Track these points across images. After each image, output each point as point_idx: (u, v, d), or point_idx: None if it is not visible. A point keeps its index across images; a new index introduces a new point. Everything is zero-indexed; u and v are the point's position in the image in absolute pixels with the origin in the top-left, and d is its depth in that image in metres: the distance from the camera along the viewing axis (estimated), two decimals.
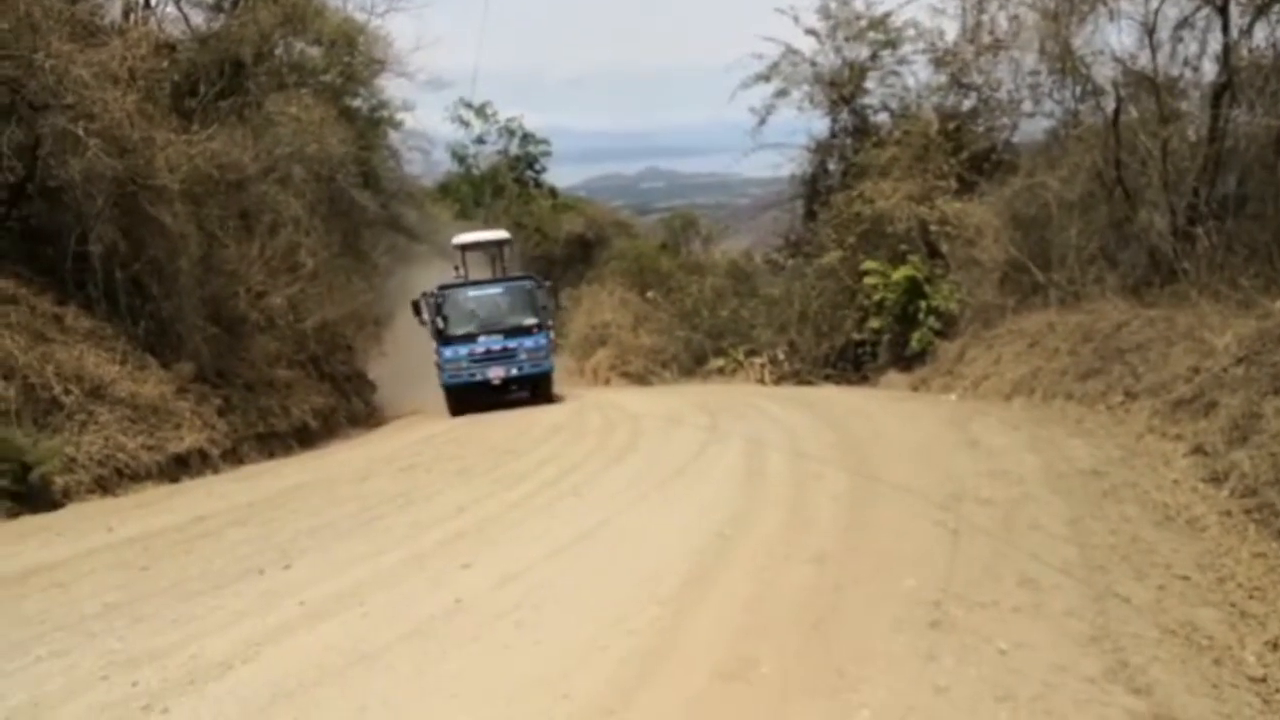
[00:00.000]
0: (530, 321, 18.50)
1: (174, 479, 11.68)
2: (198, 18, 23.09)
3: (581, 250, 38.86)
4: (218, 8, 23.31)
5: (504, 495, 8.37)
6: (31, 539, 8.35)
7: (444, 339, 18.33)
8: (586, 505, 7.59)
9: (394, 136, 30.49)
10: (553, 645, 4.54)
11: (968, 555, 5.94)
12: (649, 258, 32.19)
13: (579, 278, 33.94)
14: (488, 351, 18.28)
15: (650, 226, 44.42)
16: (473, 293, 19.08)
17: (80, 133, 13.33)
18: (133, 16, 20.81)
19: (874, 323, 18.04)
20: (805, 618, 4.90)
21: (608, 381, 25.83)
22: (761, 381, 20.88)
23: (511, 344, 18.37)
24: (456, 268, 21.29)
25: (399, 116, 30.43)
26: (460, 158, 43.68)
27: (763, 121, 21.95)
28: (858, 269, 18.44)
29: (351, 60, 26.09)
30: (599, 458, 10.10)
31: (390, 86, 29.16)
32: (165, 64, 18.09)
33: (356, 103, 28.02)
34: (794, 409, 12.88)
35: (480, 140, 44.56)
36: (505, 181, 42.79)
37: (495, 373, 18.22)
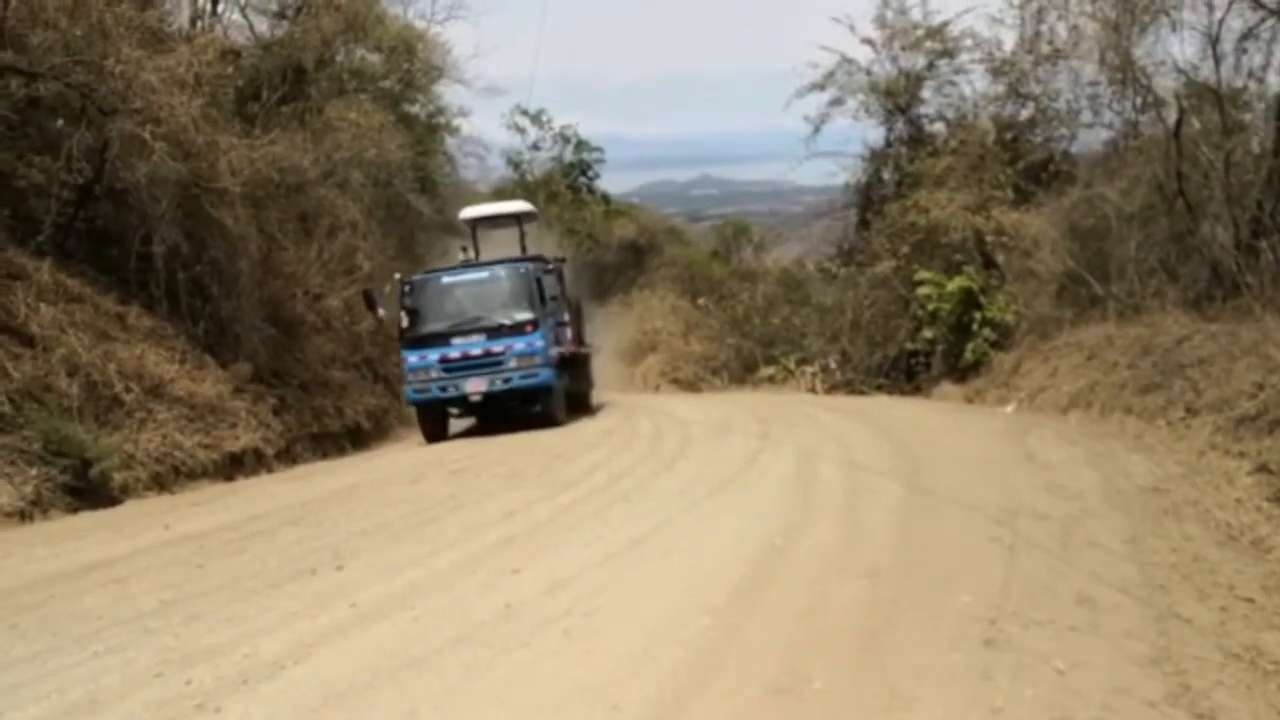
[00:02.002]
0: (524, 316, 14.65)
1: (229, 477, 11.88)
2: (262, 25, 23.55)
3: (633, 256, 38.86)
4: (281, 15, 23.75)
5: (554, 500, 8.38)
6: (91, 535, 8.53)
7: (408, 340, 14.86)
8: (637, 512, 7.57)
9: (450, 142, 30.83)
10: (602, 654, 4.51)
11: (1024, 572, 5.82)
12: (701, 265, 32.17)
13: (630, 284, 33.97)
14: (464, 357, 14.57)
15: (702, 233, 44.34)
16: (448, 279, 15.29)
17: (147, 136, 13.64)
18: (199, 23, 21.28)
19: (928, 333, 17.84)
20: (859, 632, 4.83)
21: (657, 388, 25.82)
22: (813, 390, 20.75)
23: (496, 346, 14.54)
24: (464, 249, 17.45)
25: (456, 123, 30.76)
26: (515, 164, 43.95)
27: (817, 130, 21.89)
28: (911, 279, 18.26)
29: (410, 67, 26.42)
30: (649, 464, 10.08)
31: (448, 93, 29.50)
32: (230, 70, 18.47)
33: (414, 109, 28.35)
34: (846, 419, 12.78)
35: (535, 147, 44.80)
36: (559, 188, 42.97)
37: (474, 386, 14.52)
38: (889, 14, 21.13)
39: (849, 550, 6.28)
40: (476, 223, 18.25)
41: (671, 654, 4.50)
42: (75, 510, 10.27)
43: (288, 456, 13.73)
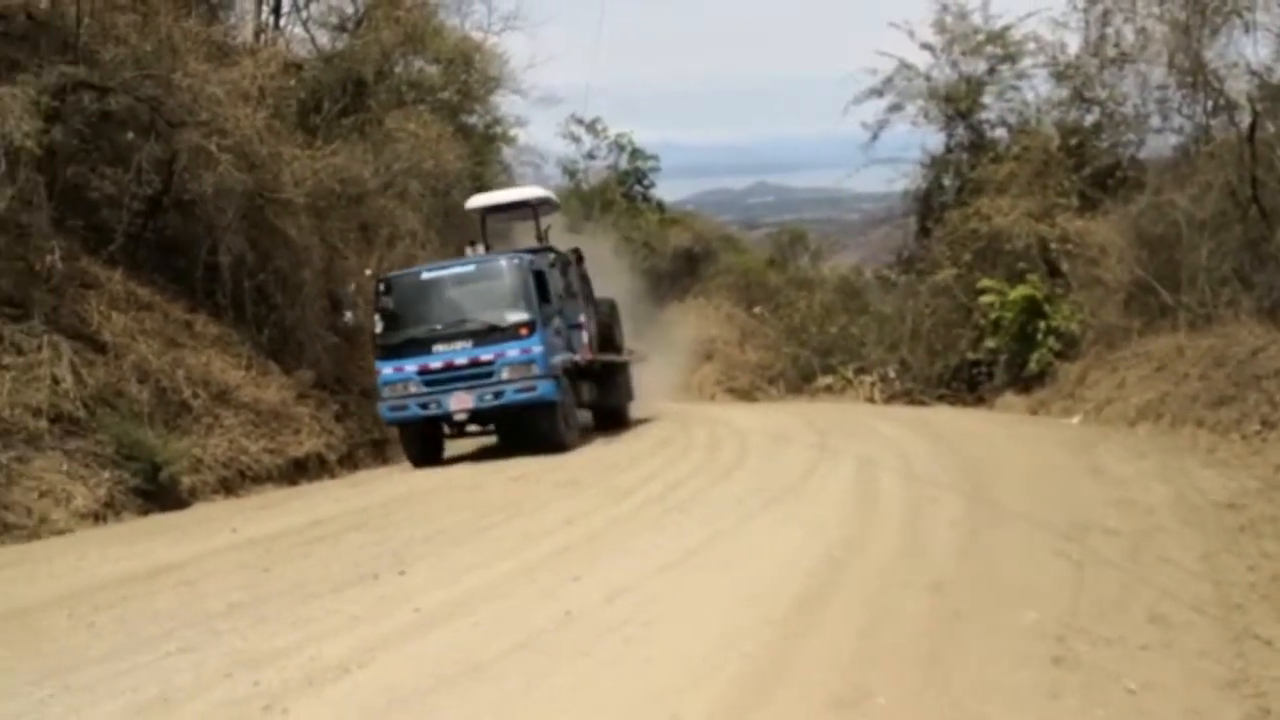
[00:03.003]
0: (518, 317, 12.53)
1: (293, 482, 12.08)
2: (323, 38, 24.00)
3: (688, 264, 38.84)
4: (342, 28, 24.19)
5: (611, 509, 8.39)
6: (161, 537, 8.72)
7: (381, 349, 12.89)
8: (694, 521, 7.55)
9: (507, 152, 31.10)
10: (662, 663, 4.50)
11: (1093, 588, 5.69)
12: (756, 272, 32.04)
13: (686, 292, 33.95)
14: (447, 367, 12.53)
15: (758, 241, 44.20)
16: (429, 275, 13.25)
17: (213, 148, 13.97)
18: (263, 37, 21.75)
19: (990, 342, 17.58)
20: (922, 647, 4.75)
21: (713, 396, 25.75)
22: (871, 400, 20.54)
23: (485, 354, 12.45)
24: (472, 244, 14.97)
25: (512, 133, 31.04)
26: (570, 173, 44.21)
27: (875, 136, 21.61)
28: (973, 287, 18.00)
29: (468, 78, 26.72)
30: (706, 474, 10.06)
31: (504, 103, 29.77)
32: (293, 82, 18.86)
33: (472, 119, 28.64)
34: (907, 429, 12.63)
35: (590, 155, 45.01)
36: (614, 196, 43.15)
37: (459, 402, 12.44)
38: (948, 19, 20.80)
39: (911, 563, 6.20)
40: (486, 213, 16.16)
41: (732, 664, 4.47)
42: (146, 513, 10.53)
43: (350, 462, 13.95)
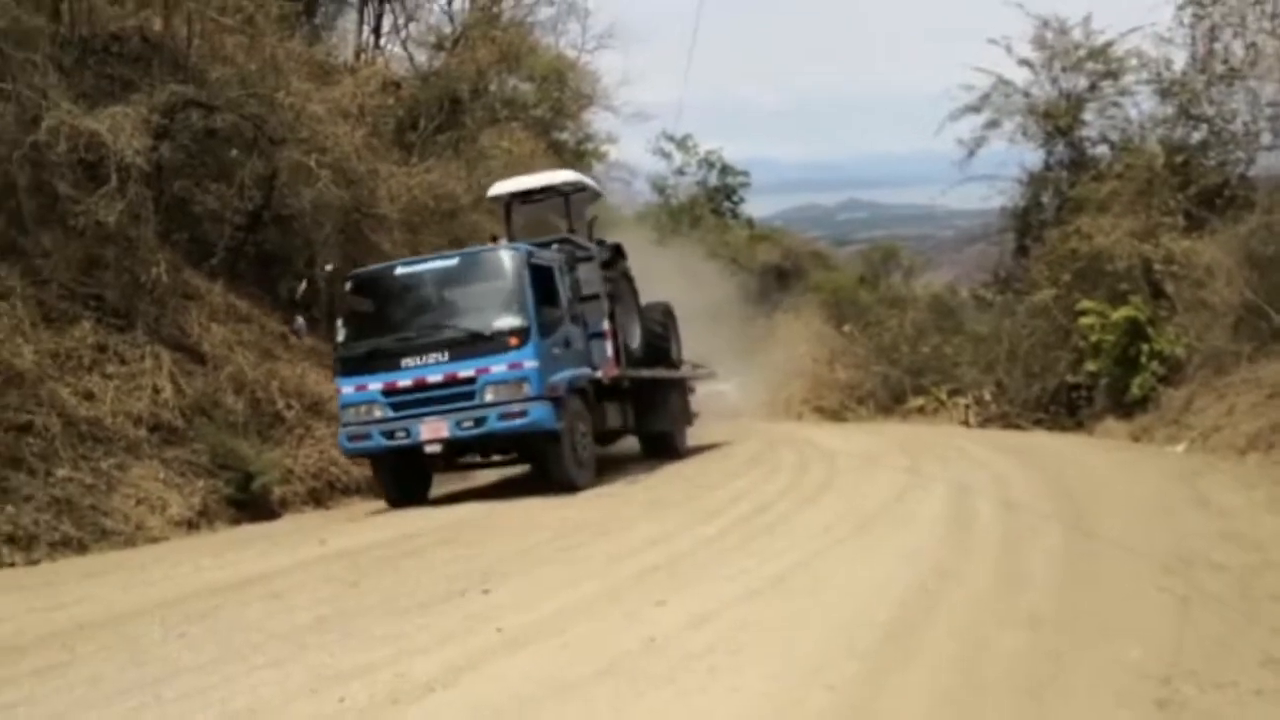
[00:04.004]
0: (506, 324, 10.53)
1: (380, 495, 12.23)
2: (421, 56, 24.61)
3: (777, 280, 38.59)
4: (439, 47, 24.75)
5: (697, 530, 8.30)
6: (251, 547, 8.92)
7: (343, 363, 11.11)
8: (781, 546, 7.42)
9: (598, 168, 31.37)
10: (748, 693, 4.40)
11: (1200, 626, 5.41)
12: (847, 290, 31.65)
13: (774, 308, 33.69)
14: (418, 385, 10.57)
15: (848, 258, 43.76)
16: (403, 271, 11.45)
17: (313, 165, 14.36)
18: (362, 56, 22.34)
19: (1090, 365, 16.99)
20: (1018, 684, 4.56)
21: (800, 416, 25.44)
22: (965, 423, 20.05)
23: (465, 370, 10.47)
24: (494, 239, 12.52)
25: (603, 149, 31.33)
26: (660, 189, 44.40)
27: (972, 153, 21.32)
28: (1073, 308, 17.45)
29: (561, 95, 27.05)
30: (793, 496, 9.91)
31: (596, 120, 30.10)
32: (391, 101, 19.33)
33: (564, 136, 28.98)
34: (1002, 454, 12.29)
35: (680, 171, 45.23)
36: (703, 212, 43.18)
37: (431, 430, 10.50)
38: (1048, 34, 20.44)
39: (1007, 596, 5.98)
40: (511, 201, 14.13)
41: (821, 697, 4.35)
42: (237, 522, 10.81)
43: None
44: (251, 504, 11.26)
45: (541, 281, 11.06)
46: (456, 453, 11.23)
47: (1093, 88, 20.44)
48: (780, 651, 5.01)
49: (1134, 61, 19.39)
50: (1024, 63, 20.64)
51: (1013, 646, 5.09)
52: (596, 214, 15.19)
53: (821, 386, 25.96)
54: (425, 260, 11.78)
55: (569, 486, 10.75)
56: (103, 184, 12.04)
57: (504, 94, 24.99)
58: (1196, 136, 18.13)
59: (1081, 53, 20.33)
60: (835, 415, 24.55)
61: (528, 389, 10.46)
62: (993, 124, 21.13)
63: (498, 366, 10.48)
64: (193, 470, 11.12)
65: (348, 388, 10.96)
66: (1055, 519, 8.10)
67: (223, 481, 11.14)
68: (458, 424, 10.47)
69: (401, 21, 24.57)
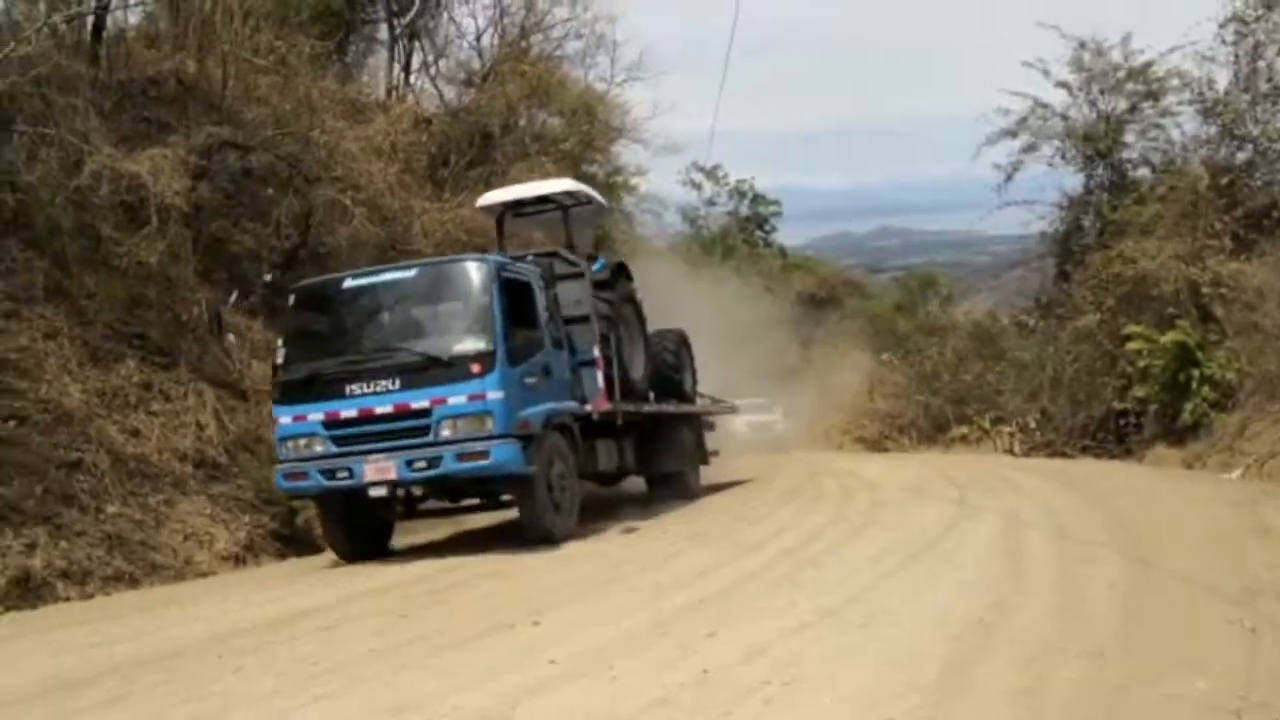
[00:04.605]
0: (468, 348, 9.15)
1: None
2: (451, 93, 24.93)
3: (812, 310, 38.52)
4: (469, 83, 25.07)
5: (743, 562, 8.21)
6: (298, 581, 8.94)
7: (281, 389, 9.66)
8: (830, 579, 7.32)
9: (627, 200, 31.51)
10: None
11: (1270, 659, 5.25)
12: (884, 318, 31.50)
13: (810, 337, 33.59)
14: (364, 417, 9.17)
15: (884, 286, 43.60)
16: (353, 284, 9.97)
17: (348, 202, 14.57)
18: (394, 94, 22.68)
19: (1138, 391, 16.74)
20: (1083, 718, 4.45)
21: (840, 446, 25.27)
22: (1010, 452, 19.81)
23: (418, 401, 9.06)
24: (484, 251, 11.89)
25: (633, 181, 31.46)
26: (691, 219, 44.55)
27: (1009, 178, 21.21)
28: (1118, 333, 17.23)
29: (590, 129, 27.23)
30: (838, 528, 9.78)
31: (625, 152, 30.24)
32: (423, 138, 19.57)
33: (593, 169, 29.16)
34: (1052, 483, 12.10)
35: (711, 202, 45.44)
36: (734, 242, 43.25)
37: (375, 471, 9.06)
38: (1086, 56, 20.40)
39: (1066, 628, 5.84)
40: (504, 213, 12.81)
41: None
42: (283, 556, 10.86)
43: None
44: (296, 538, 11.33)
45: (515, 299, 9.60)
46: (414, 498, 10.06)
47: (1133, 109, 20.33)
48: (836, 684, 4.92)
49: (1175, 81, 19.30)
50: (1061, 85, 20.61)
51: (1075, 679, 4.96)
52: (603, 230, 14.39)
53: (861, 416, 25.83)
54: (379, 271, 10.29)
55: (544, 538, 9.42)
56: (143, 225, 12.28)
57: (533, 129, 25.20)
58: (1241, 157, 17.93)
59: (1121, 74, 20.24)
60: (876, 445, 24.38)
61: (491, 425, 8.96)
62: (1030, 148, 21.08)
63: (456, 398, 8.99)
64: (238, 505, 11.22)
65: (285, 418, 9.51)
66: (1111, 549, 7.93)
67: (267, 516, 11.23)
68: (408, 464, 8.98)
69: (431, 58, 24.98)
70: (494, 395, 8.99)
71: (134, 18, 16.50)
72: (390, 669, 5.41)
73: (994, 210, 21.61)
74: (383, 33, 24.01)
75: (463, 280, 9.62)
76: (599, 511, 11.45)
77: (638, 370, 11.90)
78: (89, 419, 10.93)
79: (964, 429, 21.99)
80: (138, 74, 15.10)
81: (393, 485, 9.19)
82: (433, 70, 25.09)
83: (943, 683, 4.92)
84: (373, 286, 9.89)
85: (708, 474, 14.39)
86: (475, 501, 10.52)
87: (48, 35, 11.57)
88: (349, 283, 9.99)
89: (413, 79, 24.42)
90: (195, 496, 11.04)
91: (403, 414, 9.07)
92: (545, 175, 20.12)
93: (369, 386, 9.18)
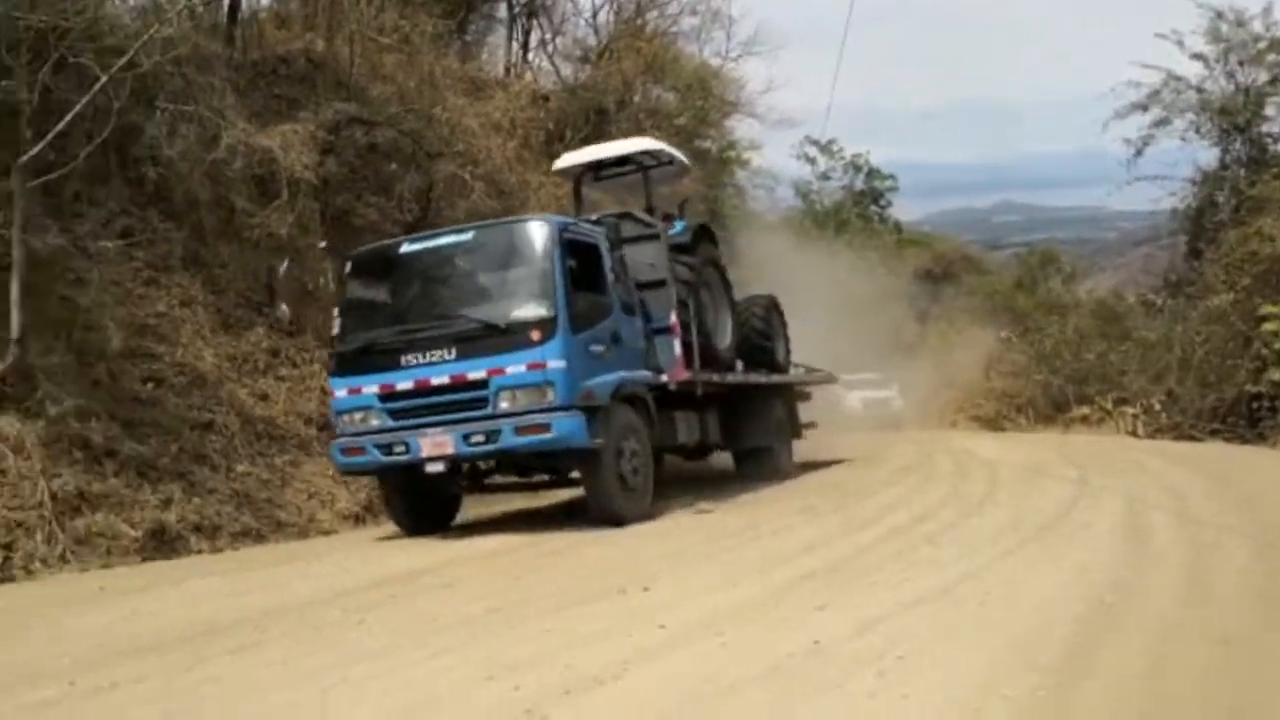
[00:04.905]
0: (528, 314, 8.70)
1: (534, 489, 12.35)
2: (567, 70, 25.14)
3: (928, 286, 37.71)
4: (585, 60, 25.24)
5: (853, 537, 8.15)
6: (414, 543, 9.22)
7: (339, 360, 9.50)
8: (945, 556, 7.21)
9: (740, 175, 31.29)
10: (920, 701, 4.28)
11: None
12: (1003, 295, 30.65)
13: (925, 314, 32.88)
14: (420, 388, 8.86)
15: (1003, 262, 42.39)
16: (410, 250, 9.55)
17: (467, 177, 14.90)
18: (512, 71, 23.01)
19: (1274, 374, 15.96)
20: (1213, 702, 4.30)
21: (954, 424, 24.74)
22: (1133, 434, 19.09)
23: (474, 371, 8.68)
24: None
25: (746, 155, 31.21)
26: (804, 194, 44.01)
27: (1139, 153, 20.47)
28: (1253, 313, 16.43)
29: (704, 104, 27.10)
30: (954, 506, 9.60)
31: (740, 127, 30.02)
32: (541, 114, 19.82)
33: (706, 144, 29.03)
34: (1178, 466, 11.64)
35: (825, 176, 44.81)
36: (848, 216, 42.58)
37: (432, 445, 8.77)
38: (1224, 27, 19.48)
39: (1193, 611, 5.65)
40: (583, 175, 12.12)
41: (998, 709, 4.19)
42: None
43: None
44: None
45: (580, 262, 9.10)
46: (480, 472, 9.76)
47: (1274, 81, 19.38)
48: (951, 661, 4.86)
49: None
50: (1196, 57, 19.74)
51: (1203, 664, 4.80)
52: (688, 195, 13.57)
53: (977, 394, 25.20)
54: (437, 235, 9.84)
55: (611, 519, 8.98)
56: (274, 198, 12.78)
57: (648, 104, 25.24)
58: None
59: (1262, 45, 19.34)
60: (992, 424, 23.78)
61: (552, 396, 8.52)
62: (1162, 122, 20.33)
63: (514, 367, 8.55)
64: None
65: (340, 390, 9.30)
66: (1240, 534, 7.60)
67: None
68: (465, 438, 8.62)
69: (549, 36, 25.25)
70: (555, 364, 8.53)
71: None
72: (506, 627, 5.56)
73: (1122, 186, 20.97)
74: (502, 11, 24.40)
75: (523, 242, 9.09)
76: (695, 487, 11.49)
77: (723, 338, 11.36)
78: (220, 382, 11.47)
79: (1084, 410, 21.25)
80: (269, 53, 15.68)
81: (451, 460, 8.87)
82: (550, 47, 25.38)
83: (1063, 664, 4.82)
84: (430, 250, 9.44)
85: (815, 449, 14.26)
86: (546, 478, 10.24)
87: (187, 17, 12.07)
88: (406, 247, 9.58)
89: (530, 56, 24.75)
90: (318, 458, 11.50)
91: (459, 385, 8.69)
92: None
93: (425, 357, 8.83)
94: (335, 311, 9.79)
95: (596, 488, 9.03)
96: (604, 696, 4.27)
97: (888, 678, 4.57)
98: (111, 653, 5.45)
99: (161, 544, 9.36)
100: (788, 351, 13.10)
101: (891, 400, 24.50)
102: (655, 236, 10.57)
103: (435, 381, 8.75)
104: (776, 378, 12.71)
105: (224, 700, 4.43)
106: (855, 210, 43.33)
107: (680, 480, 12.26)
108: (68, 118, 9.95)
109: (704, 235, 11.77)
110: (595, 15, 25.53)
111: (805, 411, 13.89)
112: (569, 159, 12.32)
